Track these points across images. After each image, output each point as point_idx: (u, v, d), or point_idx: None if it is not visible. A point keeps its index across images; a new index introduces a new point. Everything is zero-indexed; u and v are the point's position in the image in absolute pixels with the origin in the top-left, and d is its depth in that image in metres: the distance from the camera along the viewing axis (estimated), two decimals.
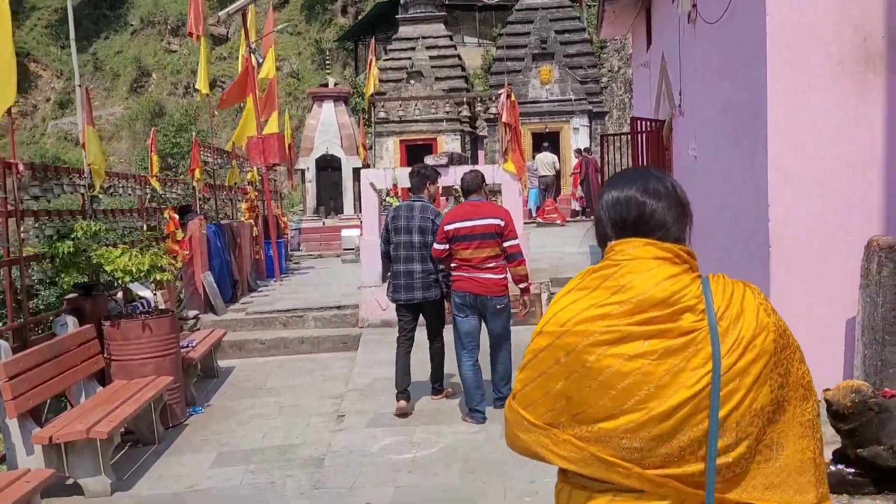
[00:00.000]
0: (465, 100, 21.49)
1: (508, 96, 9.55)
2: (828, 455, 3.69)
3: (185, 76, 44.40)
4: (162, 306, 8.14)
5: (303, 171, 20.38)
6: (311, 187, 20.34)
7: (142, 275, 6.75)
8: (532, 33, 20.59)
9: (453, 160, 9.69)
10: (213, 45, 44.47)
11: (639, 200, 1.50)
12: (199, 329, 9.56)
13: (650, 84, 7.63)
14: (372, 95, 15.20)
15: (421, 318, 5.92)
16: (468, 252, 5.22)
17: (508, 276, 5.39)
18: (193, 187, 10.40)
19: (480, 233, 5.22)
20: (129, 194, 8.80)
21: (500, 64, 21.13)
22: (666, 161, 6.22)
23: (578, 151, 18.76)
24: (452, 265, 5.37)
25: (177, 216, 9.43)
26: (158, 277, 6.61)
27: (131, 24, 47.31)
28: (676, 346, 1.38)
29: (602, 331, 1.41)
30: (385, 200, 9.65)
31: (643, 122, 6.34)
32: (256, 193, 14.26)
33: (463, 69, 22.99)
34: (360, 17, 34.28)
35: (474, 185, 5.53)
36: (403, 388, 5.89)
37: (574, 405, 1.43)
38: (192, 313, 9.64)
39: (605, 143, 7.83)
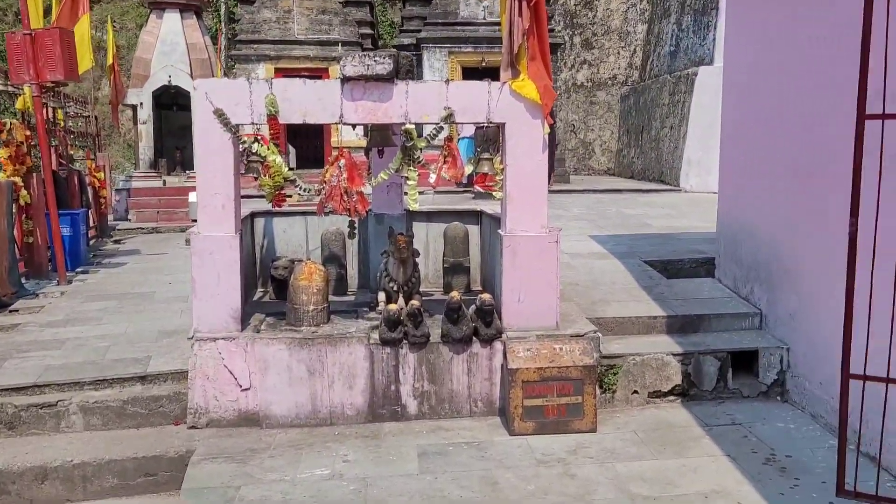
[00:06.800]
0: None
1: None
2: None
3: None
4: None
5: (134, 108, 14.30)
6: (145, 131, 14.25)
7: None
8: None
9: (401, 65, 4.49)
10: None
11: None
12: None
13: None
14: None
15: None
16: None
17: None
18: None
19: None
20: None
21: None
22: None
23: None
24: None
25: None
26: None
27: None
28: None
29: None
30: (249, 149, 4.28)
31: None
32: (28, 133, 8.37)
33: None
34: None
35: None
36: None
37: None
38: None
39: None
